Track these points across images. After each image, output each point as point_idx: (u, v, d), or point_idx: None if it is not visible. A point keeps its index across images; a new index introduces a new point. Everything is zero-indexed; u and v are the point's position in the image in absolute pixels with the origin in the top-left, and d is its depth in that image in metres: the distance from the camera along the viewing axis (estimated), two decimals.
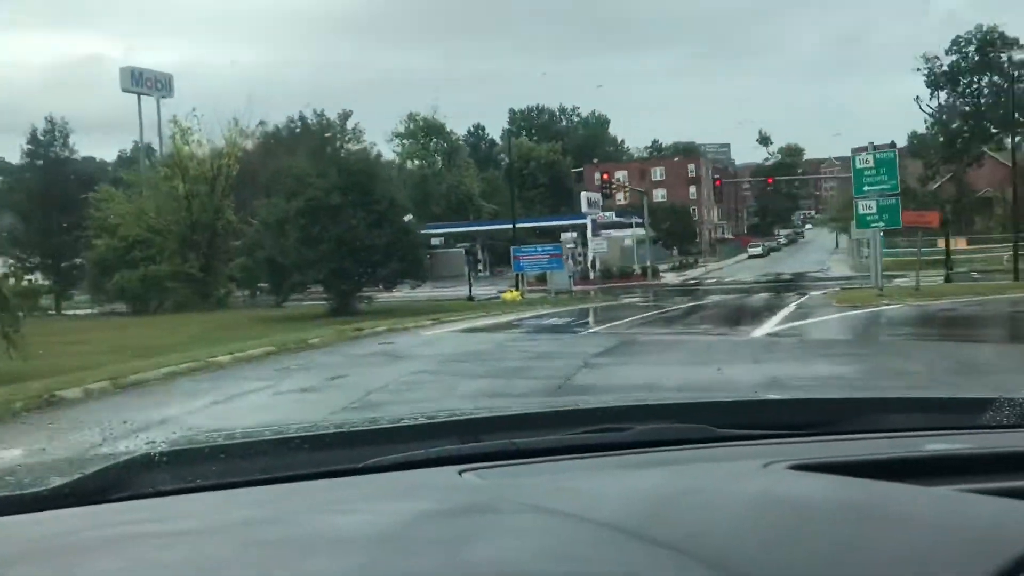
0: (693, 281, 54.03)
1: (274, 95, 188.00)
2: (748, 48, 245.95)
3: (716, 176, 51.75)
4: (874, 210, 28.11)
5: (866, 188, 28.29)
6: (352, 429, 1.79)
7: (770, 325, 20.71)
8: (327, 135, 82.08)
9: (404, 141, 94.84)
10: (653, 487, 1.24)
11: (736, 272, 61.49)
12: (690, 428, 1.64)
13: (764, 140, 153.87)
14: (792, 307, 26.67)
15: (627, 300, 37.28)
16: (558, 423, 1.74)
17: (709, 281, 52.80)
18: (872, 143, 30.29)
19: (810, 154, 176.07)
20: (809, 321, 21.68)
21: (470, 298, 41.98)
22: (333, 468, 1.43)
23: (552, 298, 36.60)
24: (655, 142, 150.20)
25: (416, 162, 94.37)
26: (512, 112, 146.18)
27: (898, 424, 1.73)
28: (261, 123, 65.38)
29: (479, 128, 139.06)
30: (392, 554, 0.97)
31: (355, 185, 33.87)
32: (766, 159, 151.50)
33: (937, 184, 75.10)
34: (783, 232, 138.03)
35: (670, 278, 57.10)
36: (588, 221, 57.92)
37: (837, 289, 36.05)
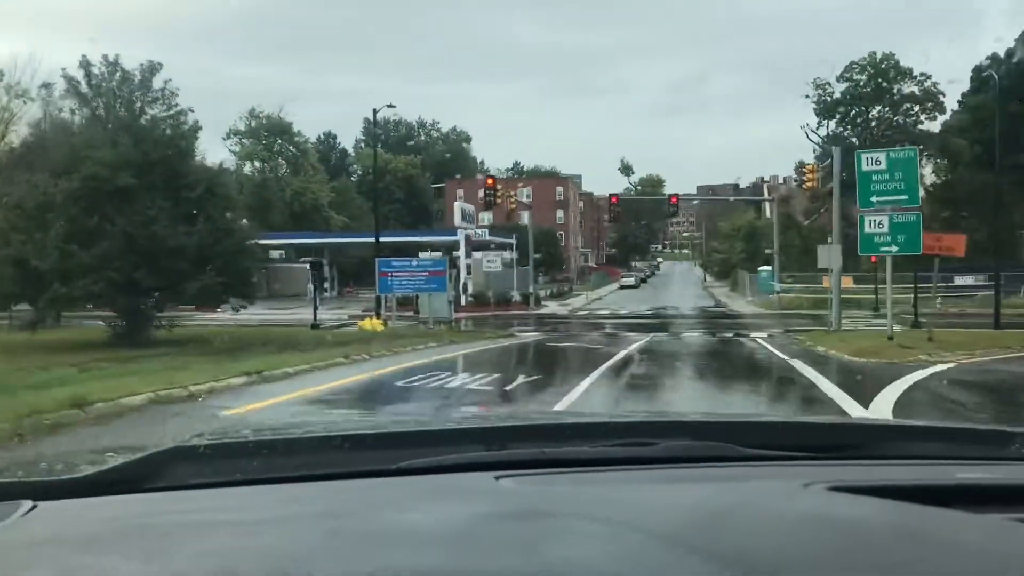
0: (584, 312, 46.02)
1: None
2: (600, 86, 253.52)
3: (612, 195, 43.81)
4: (885, 228, 20.66)
5: (875, 199, 20.88)
6: (387, 431, 1.85)
7: (824, 391, 12.55)
8: (123, 94, 66.71)
9: (243, 140, 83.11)
10: (697, 501, 1.24)
11: (623, 303, 54.14)
12: (718, 446, 1.61)
13: (626, 169, 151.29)
14: (795, 361, 18.67)
15: (533, 335, 28.72)
16: (585, 435, 1.74)
17: (603, 312, 44.96)
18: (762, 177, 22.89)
19: (669, 188, 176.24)
20: (881, 395, 13.35)
21: (315, 325, 32.24)
22: (369, 468, 1.44)
23: (431, 329, 27.46)
24: (516, 164, 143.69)
25: (256, 164, 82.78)
26: (367, 122, 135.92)
27: (925, 452, 1.70)
28: (45, 85, 53.06)
29: (331, 137, 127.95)
30: (471, 553, 0.98)
31: (158, 163, 23.86)
32: (627, 188, 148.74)
33: (814, 218, 71.06)
34: (639, 264, 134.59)
35: (554, 307, 48.92)
36: (461, 237, 49.05)
37: (781, 331, 28.83)
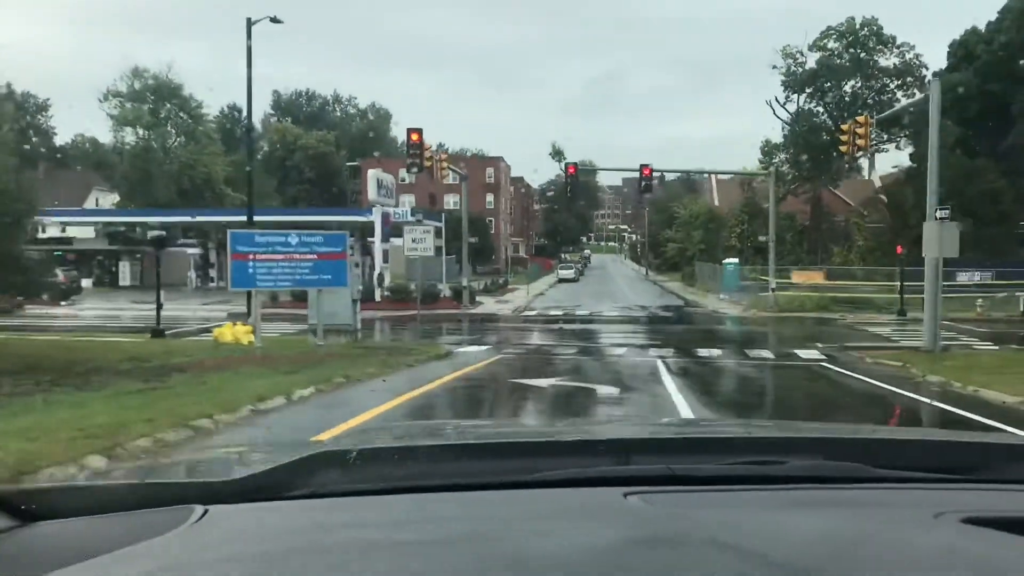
0: (532, 312, 36.43)
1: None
2: (521, 81, 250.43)
3: (569, 164, 34.25)
4: None
5: None
6: (521, 441, 1.92)
7: None
8: None
9: (123, 102, 70.95)
10: (826, 530, 1.22)
11: (572, 299, 44.85)
12: (847, 467, 1.59)
13: (557, 154, 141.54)
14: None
15: (475, 352, 19.13)
16: (713, 450, 1.74)
17: (555, 313, 35.52)
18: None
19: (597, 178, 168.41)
20: None
21: (158, 332, 22.12)
22: (506, 480, 1.49)
23: (318, 346, 17.45)
24: (441, 145, 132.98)
25: (138, 131, 70.73)
26: (276, 95, 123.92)
27: None
28: None
29: (235, 109, 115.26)
30: None
31: None
32: (558, 175, 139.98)
33: (782, 199, 62.74)
34: (570, 256, 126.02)
35: (491, 305, 39.20)
36: (376, 216, 38.88)
37: (836, 347, 20.02)
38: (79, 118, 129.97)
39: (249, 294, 20.39)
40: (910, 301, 32.37)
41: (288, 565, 1.06)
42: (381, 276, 38.07)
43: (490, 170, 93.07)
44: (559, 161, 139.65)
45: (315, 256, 16.28)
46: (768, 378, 16.18)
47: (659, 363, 17.08)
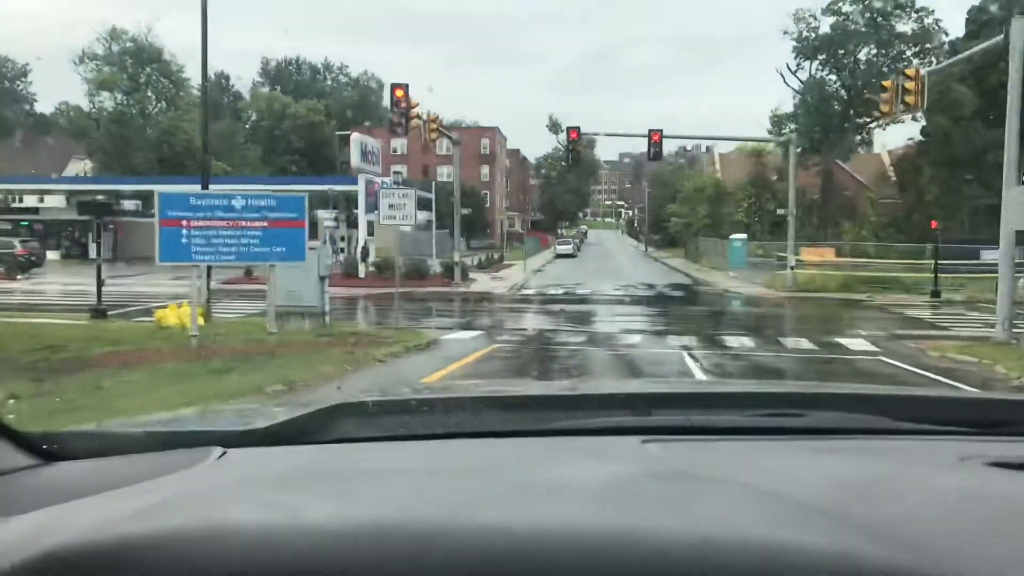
0: (530, 291, 33.48)
1: None
2: (514, 55, 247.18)
3: (571, 128, 31.09)
4: None
5: None
6: (537, 394, 1.93)
7: None
8: None
9: (100, 66, 67.39)
10: (847, 472, 1.22)
11: (572, 277, 41.84)
12: (868, 419, 1.58)
13: (554, 126, 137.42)
14: None
15: (466, 339, 16.21)
16: (731, 404, 1.74)
17: (555, 292, 32.56)
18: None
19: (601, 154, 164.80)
20: None
21: (98, 312, 19.14)
22: (521, 428, 1.50)
23: (271, 334, 14.39)
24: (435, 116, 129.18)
25: (116, 96, 67.21)
26: (264, 62, 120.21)
27: None
28: None
29: (222, 77, 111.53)
30: (621, 508, 1.01)
31: None
32: (555, 148, 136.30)
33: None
34: (566, 232, 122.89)
35: (486, 282, 36.19)
36: (361, 183, 35.81)
37: (884, 336, 17.22)
38: (62, 85, 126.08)
39: (208, 269, 17.29)
40: (941, 281, 29.60)
41: (304, 489, 1.09)
42: (366, 249, 35.04)
43: (485, 140, 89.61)
44: (556, 133, 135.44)
45: (266, 223, 13.15)
46: (827, 380, 13.20)
47: (686, 358, 14.12)
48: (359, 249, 35.11)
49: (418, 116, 27.23)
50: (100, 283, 19.72)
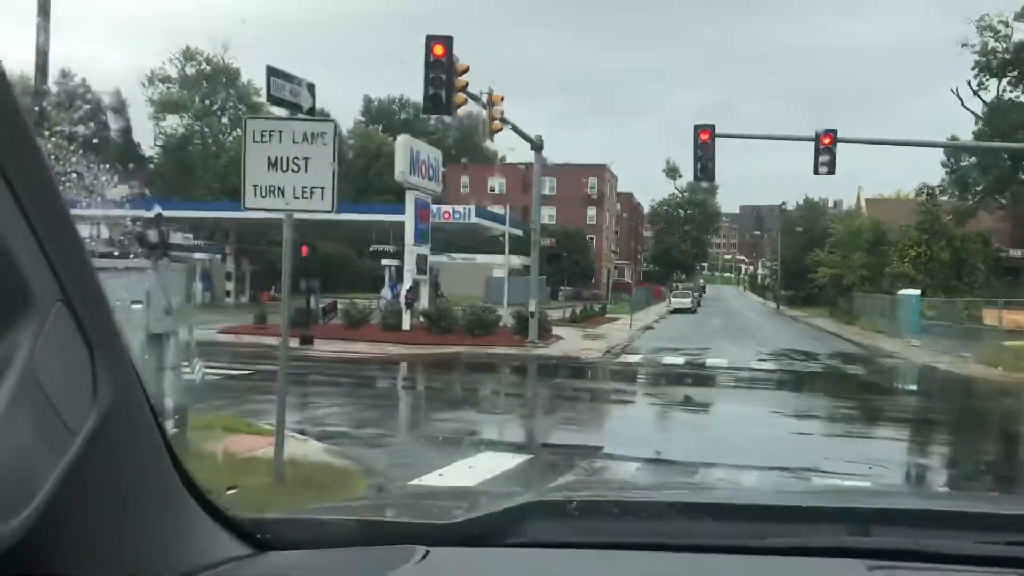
0: (633, 357, 23.50)
1: None
2: (626, 108, 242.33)
3: (702, 127, 20.70)
4: None
5: None
6: (750, 503, 1.77)
7: None
8: None
9: (170, 88, 61.51)
10: None
11: (692, 338, 31.61)
12: None
13: (672, 172, 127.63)
14: None
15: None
16: (963, 526, 1.52)
17: (671, 360, 22.43)
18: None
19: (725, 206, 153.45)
20: None
21: None
22: (734, 543, 1.40)
23: None
24: (544, 162, 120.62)
25: (182, 119, 61.06)
26: (367, 100, 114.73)
27: None
28: None
29: (322, 114, 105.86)
30: None
31: None
32: (672, 194, 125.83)
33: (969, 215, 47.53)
34: (682, 285, 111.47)
35: (573, 341, 26.21)
36: (409, 204, 26.62)
37: None
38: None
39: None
40: None
41: None
42: (414, 292, 25.70)
43: (592, 179, 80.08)
44: (673, 179, 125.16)
45: None
46: None
47: None
48: (404, 291, 25.82)
49: (466, 90, 17.90)
50: None
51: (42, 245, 0.86)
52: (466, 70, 17.67)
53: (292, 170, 6.34)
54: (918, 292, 39.77)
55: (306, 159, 6.35)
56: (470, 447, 9.87)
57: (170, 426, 8.21)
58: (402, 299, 25.63)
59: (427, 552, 1.31)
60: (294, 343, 16.24)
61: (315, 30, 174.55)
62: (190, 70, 63.07)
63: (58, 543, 0.95)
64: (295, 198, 6.43)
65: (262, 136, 6.43)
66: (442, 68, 16.87)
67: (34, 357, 0.84)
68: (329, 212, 6.56)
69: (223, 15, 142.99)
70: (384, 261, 35.50)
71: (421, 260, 26.27)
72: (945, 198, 49.20)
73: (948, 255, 44.17)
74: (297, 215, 6.90)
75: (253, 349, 20.39)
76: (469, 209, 39.30)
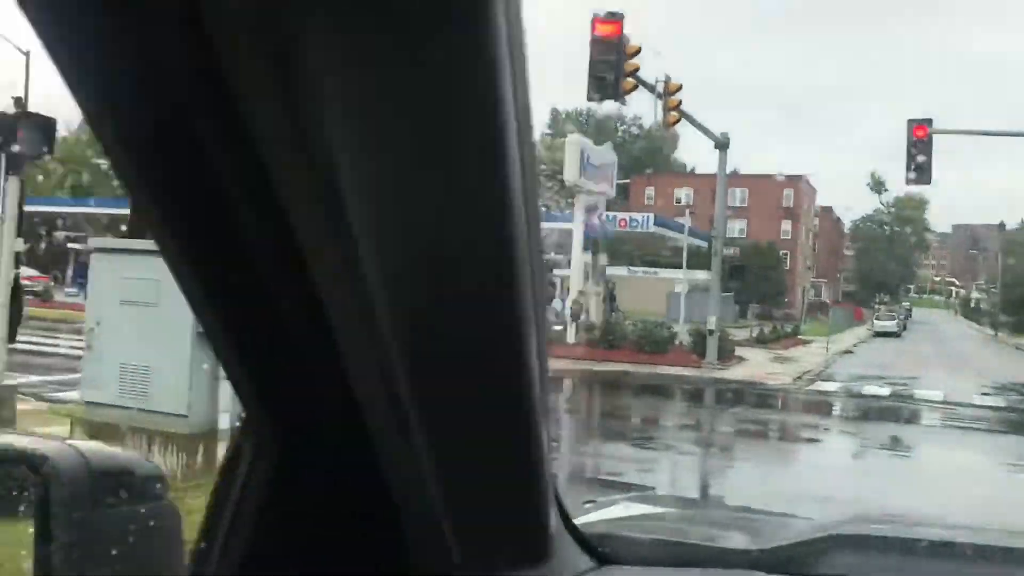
0: (833, 387, 20.41)
1: None
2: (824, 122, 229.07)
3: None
4: None
5: None
6: None
7: None
8: None
9: None
10: None
11: (900, 364, 27.63)
12: None
13: (877, 185, 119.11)
14: None
15: None
16: None
17: (874, 390, 19.27)
18: None
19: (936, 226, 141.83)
20: None
21: None
22: None
23: None
24: (735, 171, 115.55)
25: None
26: (555, 112, 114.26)
27: None
28: None
29: None
30: None
31: None
32: (877, 210, 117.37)
33: None
34: (886, 307, 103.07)
35: (760, 363, 23.35)
36: (578, 208, 24.75)
37: None
38: None
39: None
40: None
41: None
42: (579, 304, 23.77)
43: (787, 192, 75.19)
44: (879, 193, 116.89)
45: None
46: None
47: None
48: (569, 302, 23.93)
49: (636, 75, 15.82)
50: None
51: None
52: (637, 51, 15.57)
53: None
54: None
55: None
56: (606, 490, 7.79)
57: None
58: (567, 310, 23.74)
59: None
60: None
61: None
62: None
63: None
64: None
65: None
66: (611, 48, 14.90)
67: None
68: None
69: None
70: (556, 272, 33.85)
71: (589, 268, 24.30)
72: None
73: None
74: None
75: None
76: (647, 217, 36.97)
